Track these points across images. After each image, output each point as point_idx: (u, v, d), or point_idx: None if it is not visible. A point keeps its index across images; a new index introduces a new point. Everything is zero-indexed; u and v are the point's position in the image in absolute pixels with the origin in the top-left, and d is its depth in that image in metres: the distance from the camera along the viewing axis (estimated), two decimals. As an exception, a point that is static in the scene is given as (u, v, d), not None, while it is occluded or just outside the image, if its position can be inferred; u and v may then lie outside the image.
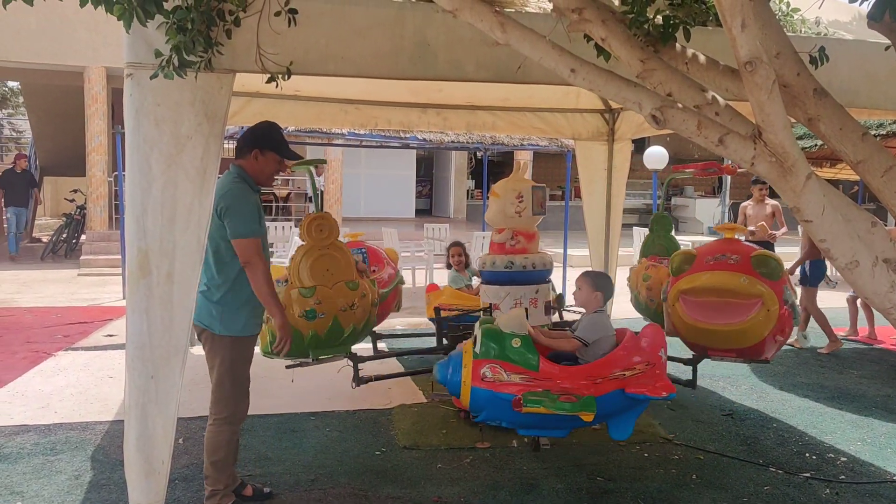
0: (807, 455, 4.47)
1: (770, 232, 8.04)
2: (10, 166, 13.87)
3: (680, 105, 2.01)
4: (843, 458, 4.43)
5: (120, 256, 10.34)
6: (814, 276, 7.43)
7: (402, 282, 5.99)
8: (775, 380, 6.16)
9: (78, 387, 5.60)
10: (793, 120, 2.33)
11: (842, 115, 2.27)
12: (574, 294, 4.21)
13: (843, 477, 4.15)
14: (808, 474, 4.17)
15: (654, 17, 2.54)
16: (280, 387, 5.40)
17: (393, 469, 4.13)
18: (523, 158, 17.04)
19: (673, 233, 6.30)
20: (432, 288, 6.17)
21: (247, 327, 3.44)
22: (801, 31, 3.83)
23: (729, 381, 6.08)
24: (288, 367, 4.64)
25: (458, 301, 5.78)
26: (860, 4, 2.04)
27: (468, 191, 20.87)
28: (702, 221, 20.93)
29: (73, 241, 14.62)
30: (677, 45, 2.49)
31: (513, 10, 3.24)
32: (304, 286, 4.34)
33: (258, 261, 3.31)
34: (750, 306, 4.41)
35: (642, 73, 2.12)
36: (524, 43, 2.08)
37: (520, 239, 5.08)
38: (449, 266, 6.69)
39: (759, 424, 5.02)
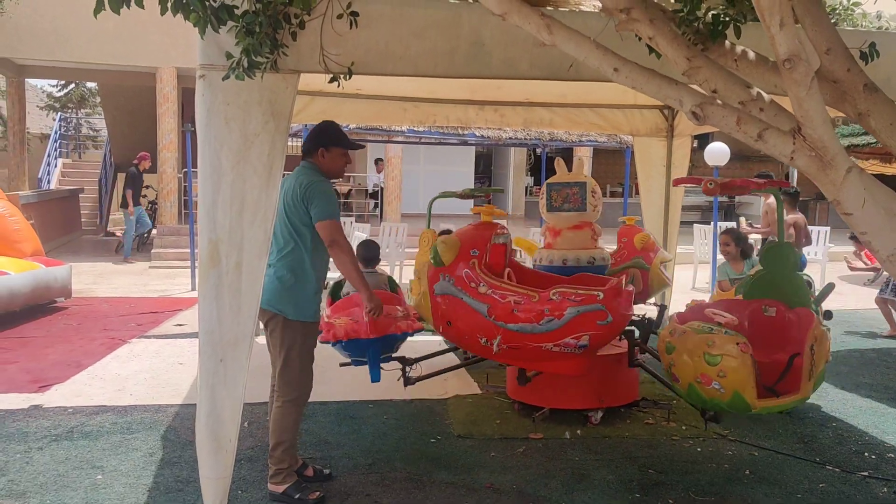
0: (866, 454, 4.41)
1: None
2: (136, 163, 13.37)
3: (720, 102, 2.07)
4: (903, 459, 4.36)
5: (189, 250, 10.75)
6: None
7: None
8: (837, 379, 6.05)
9: (151, 372, 5.91)
10: (841, 115, 2.34)
11: (892, 110, 2.28)
12: None
13: (902, 477, 4.09)
14: (865, 473, 4.12)
15: (705, 14, 2.58)
16: (339, 375, 5.57)
17: (447, 456, 4.26)
18: (582, 155, 16.95)
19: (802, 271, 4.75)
20: None
21: (317, 313, 3.73)
22: (861, 26, 3.79)
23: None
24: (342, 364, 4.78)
25: None
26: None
27: (527, 187, 20.85)
28: (767, 218, 20.39)
29: (146, 235, 15.22)
30: (727, 42, 2.53)
31: (567, 10, 3.32)
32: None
33: (343, 240, 3.60)
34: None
35: (688, 71, 2.18)
36: (570, 43, 2.16)
37: (546, 234, 5.17)
38: None
39: (818, 423, 4.96)
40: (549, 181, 5.19)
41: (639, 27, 2.20)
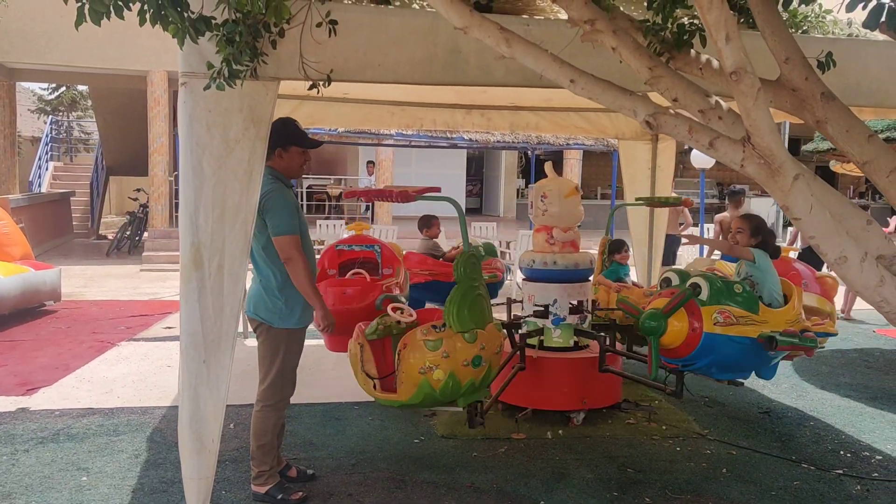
0: (841, 453, 4.49)
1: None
2: None
3: (673, 112, 2.14)
4: (878, 457, 4.44)
5: (179, 252, 10.78)
6: None
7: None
8: (817, 379, 6.14)
9: (139, 374, 5.96)
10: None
11: (848, 117, 2.35)
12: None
13: (875, 475, 4.17)
14: (840, 471, 4.20)
15: (672, 25, 2.66)
16: (326, 378, 5.64)
17: (430, 456, 4.32)
18: (572, 158, 17.05)
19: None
20: None
21: (301, 319, 3.69)
22: (832, 33, 3.88)
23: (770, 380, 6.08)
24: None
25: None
26: (863, 7, 2.12)
27: (518, 189, 20.94)
28: (757, 220, 20.54)
29: (137, 237, 15.24)
30: (692, 51, 2.60)
31: (542, 18, 3.39)
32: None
33: (298, 256, 3.51)
34: None
35: (650, 80, 2.25)
36: (528, 57, 2.23)
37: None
38: None
39: (796, 423, 5.05)
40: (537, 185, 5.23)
41: (602, 38, 2.27)
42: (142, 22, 2.59)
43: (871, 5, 2.10)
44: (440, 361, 3.62)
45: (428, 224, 6.92)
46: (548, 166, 5.27)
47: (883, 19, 2.05)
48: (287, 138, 3.65)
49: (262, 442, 3.67)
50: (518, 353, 4.69)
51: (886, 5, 2.06)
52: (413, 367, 3.63)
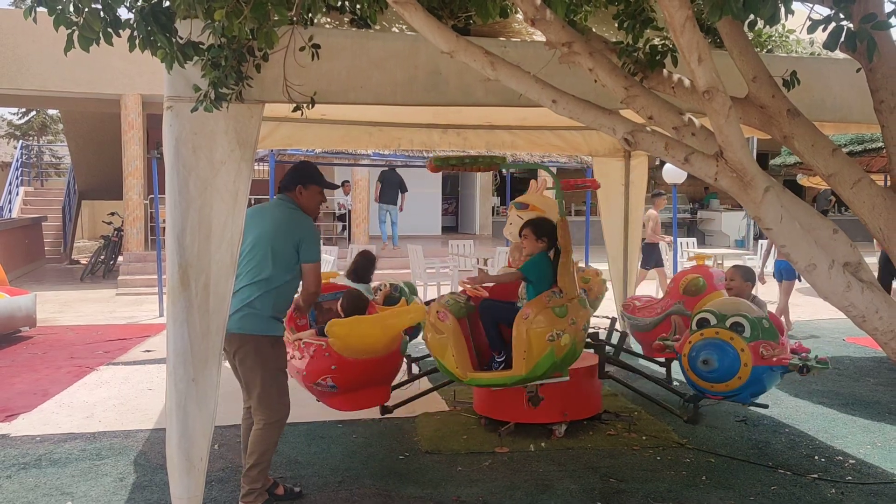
0: (816, 458, 4.61)
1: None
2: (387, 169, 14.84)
3: (650, 129, 2.24)
4: (851, 461, 4.56)
5: (156, 276, 10.73)
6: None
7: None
8: (791, 387, 6.27)
9: (119, 398, 5.93)
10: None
11: (813, 132, 2.48)
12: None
13: (849, 478, 4.29)
14: (815, 476, 4.31)
15: (645, 45, 2.77)
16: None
17: (415, 471, 4.36)
18: (547, 175, 17.21)
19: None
20: None
21: (282, 328, 3.83)
22: (796, 51, 4.04)
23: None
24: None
25: None
26: (823, 30, 2.25)
27: (493, 207, 21.09)
28: (728, 234, 20.91)
29: (111, 262, 15.11)
30: (665, 70, 2.72)
31: (518, 40, 3.50)
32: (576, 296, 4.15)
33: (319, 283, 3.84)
34: None
35: (626, 99, 2.36)
36: (511, 79, 2.34)
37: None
38: None
39: (771, 430, 5.16)
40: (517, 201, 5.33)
41: (580, 59, 2.37)
42: (131, 48, 2.65)
43: (830, 27, 2.22)
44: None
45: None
46: (532, 184, 5.43)
47: (842, 40, 2.18)
48: (308, 177, 3.87)
49: (261, 460, 3.68)
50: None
51: (845, 28, 2.19)
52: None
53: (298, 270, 3.76)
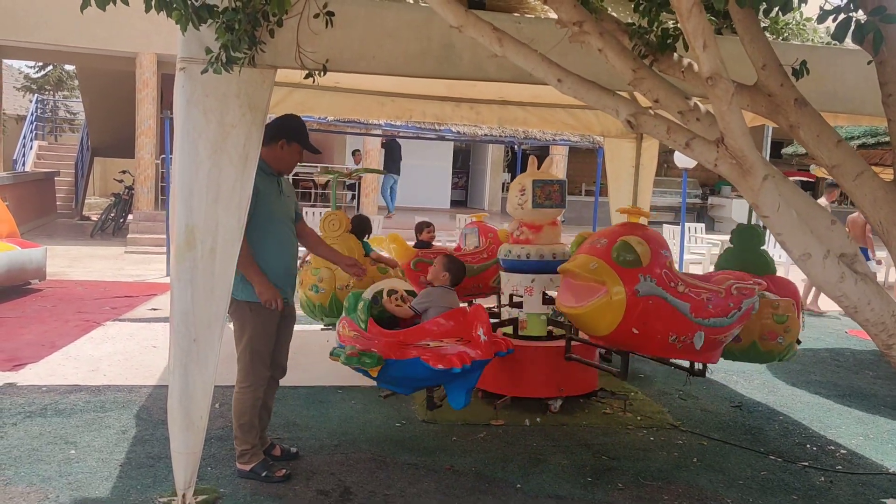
0: (807, 446, 4.66)
1: None
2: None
3: (653, 112, 2.26)
4: (842, 451, 4.61)
5: (164, 236, 10.81)
6: None
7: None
8: (789, 376, 6.32)
9: (124, 354, 6.03)
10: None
11: (819, 123, 2.48)
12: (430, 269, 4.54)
13: (839, 467, 4.34)
14: (805, 463, 4.36)
15: (657, 28, 2.77)
16: (310, 362, 5.74)
17: (411, 439, 4.44)
18: (558, 154, 17.19)
19: (766, 247, 5.47)
20: None
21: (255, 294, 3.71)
22: (812, 41, 4.01)
23: (743, 375, 6.26)
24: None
25: None
26: (832, 20, 2.24)
27: (503, 183, 21.06)
28: (738, 221, 20.80)
29: (121, 220, 15.21)
30: (675, 54, 2.72)
31: (533, 16, 3.50)
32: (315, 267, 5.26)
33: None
34: (592, 291, 4.21)
35: (633, 81, 2.37)
36: (518, 56, 2.35)
37: (524, 230, 5.31)
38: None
39: (766, 417, 5.21)
40: (535, 178, 5.29)
41: (589, 39, 2.38)
42: (147, 8, 2.67)
43: (839, 18, 2.22)
44: (783, 334, 4.58)
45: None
46: (531, 160, 5.40)
47: (851, 31, 2.18)
48: (295, 134, 3.81)
49: (241, 421, 3.77)
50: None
51: (854, 19, 2.19)
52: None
53: (270, 231, 3.72)
